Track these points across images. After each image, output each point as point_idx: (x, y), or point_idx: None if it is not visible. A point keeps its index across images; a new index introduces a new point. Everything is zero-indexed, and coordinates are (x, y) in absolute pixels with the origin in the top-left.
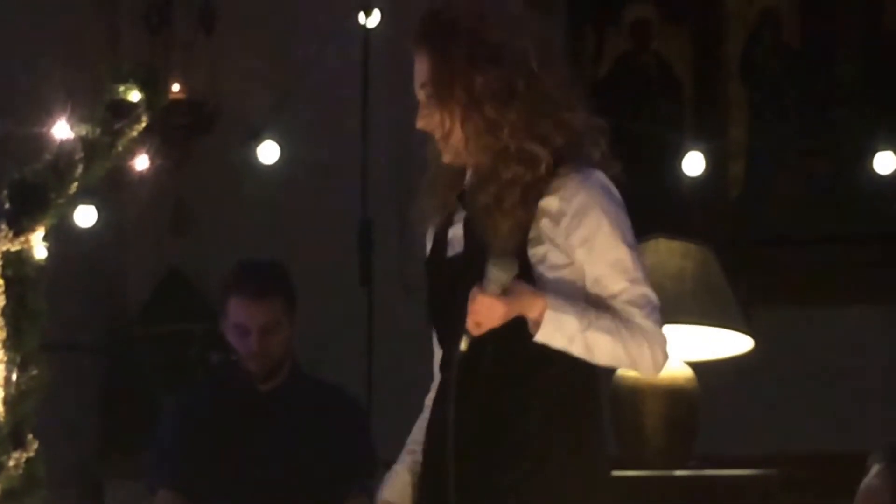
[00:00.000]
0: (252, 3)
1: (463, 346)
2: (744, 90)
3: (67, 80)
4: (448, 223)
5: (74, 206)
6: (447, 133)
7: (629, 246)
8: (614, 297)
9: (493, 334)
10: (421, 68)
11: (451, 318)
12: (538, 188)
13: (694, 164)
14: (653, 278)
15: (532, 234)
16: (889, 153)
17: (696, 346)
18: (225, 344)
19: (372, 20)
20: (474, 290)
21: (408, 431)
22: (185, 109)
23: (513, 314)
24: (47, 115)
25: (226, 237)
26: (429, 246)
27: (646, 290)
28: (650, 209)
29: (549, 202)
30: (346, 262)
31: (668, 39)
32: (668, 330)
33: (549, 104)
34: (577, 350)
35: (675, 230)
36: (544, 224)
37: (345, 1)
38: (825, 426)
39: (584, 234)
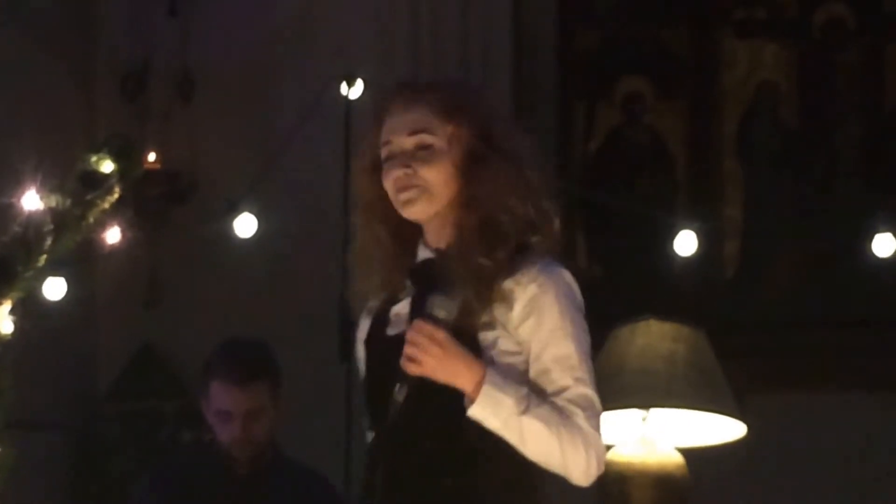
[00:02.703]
0: (231, 71)
1: (399, 396)
2: (739, 167)
3: (38, 149)
4: (390, 301)
5: (43, 279)
6: (431, 187)
7: (579, 345)
8: (557, 393)
9: (432, 411)
10: (417, 117)
11: (387, 398)
12: (498, 266)
13: (687, 243)
14: (643, 361)
15: (485, 318)
16: (888, 235)
17: (686, 431)
18: (198, 423)
19: (354, 91)
20: (415, 321)
21: None
22: (161, 180)
23: (451, 367)
24: (16, 185)
25: (201, 312)
26: (365, 325)
27: (590, 393)
28: (641, 290)
29: (507, 285)
30: (325, 338)
31: (662, 114)
32: (659, 414)
33: (526, 186)
34: (509, 435)
35: (666, 312)
36: (497, 308)
37: (327, 71)
38: None
39: (535, 324)
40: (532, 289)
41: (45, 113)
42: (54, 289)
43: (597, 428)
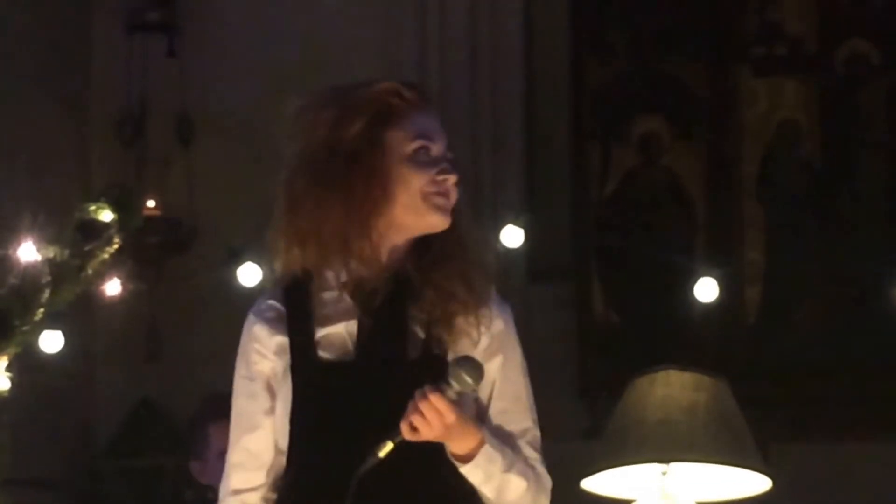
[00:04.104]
0: (232, 112)
1: (381, 452)
2: (760, 209)
3: (34, 197)
4: (300, 313)
5: (40, 333)
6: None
7: (530, 383)
8: (520, 434)
9: (414, 468)
10: (442, 129)
11: (338, 436)
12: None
13: (707, 289)
14: (663, 412)
15: (451, 355)
16: None
17: (709, 485)
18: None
19: None
20: (428, 389)
21: None
22: (160, 227)
23: (453, 435)
24: (12, 236)
25: (202, 365)
26: (273, 341)
27: (539, 435)
28: (660, 338)
29: (471, 319)
30: None
31: (680, 155)
32: (680, 468)
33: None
34: (488, 488)
35: (686, 361)
36: (462, 342)
37: None
38: None
39: (500, 363)
40: (498, 324)
41: (40, 160)
42: (51, 342)
43: (546, 470)
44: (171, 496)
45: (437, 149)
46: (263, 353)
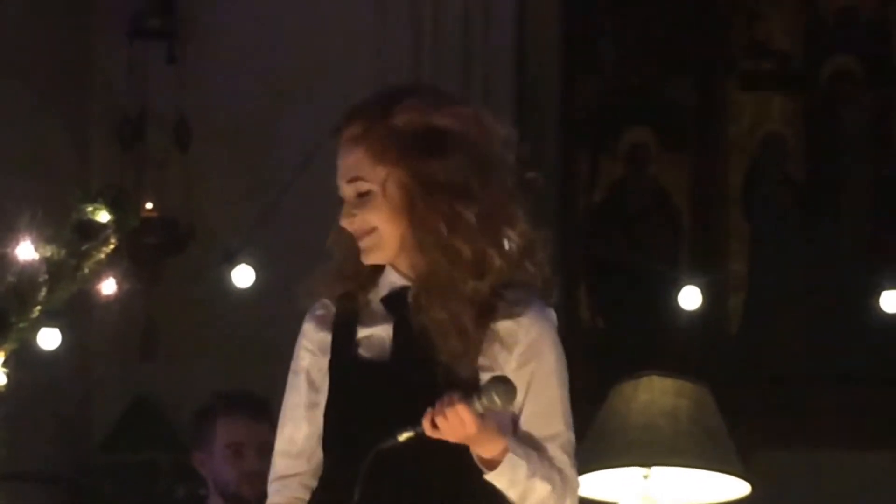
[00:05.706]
0: (230, 119)
1: (402, 437)
2: (745, 221)
3: (32, 197)
4: (346, 316)
5: (37, 330)
6: (380, 233)
7: (566, 387)
8: (549, 439)
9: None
10: (353, 162)
11: (365, 429)
12: (490, 305)
13: (691, 298)
14: (645, 417)
15: (483, 361)
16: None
17: (689, 489)
18: (193, 477)
19: None
20: (457, 398)
21: None
22: (158, 228)
23: (473, 442)
24: (10, 234)
25: (197, 364)
26: (319, 337)
27: (573, 437)
28: (644, 345)
29: (506, 326)
30: None
31: (667, 167)
32: (662, 472)
33: (503, 209)
34: (513, 492)
35: (669, 367)
36: (497, 350)
37: (327, 118)
38: None
39: (533, 369)
40: (534, 332)
41: (39, 160)
42: (48, 339)
43: (577, 471)
44: (165, 492)
45: (342, 191)
46: (309, 349)
